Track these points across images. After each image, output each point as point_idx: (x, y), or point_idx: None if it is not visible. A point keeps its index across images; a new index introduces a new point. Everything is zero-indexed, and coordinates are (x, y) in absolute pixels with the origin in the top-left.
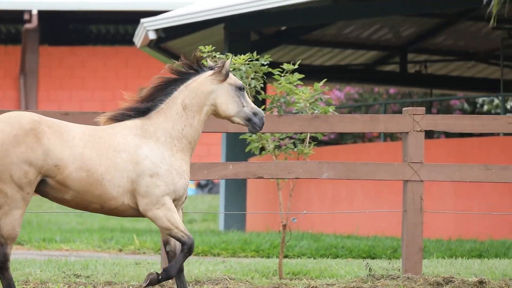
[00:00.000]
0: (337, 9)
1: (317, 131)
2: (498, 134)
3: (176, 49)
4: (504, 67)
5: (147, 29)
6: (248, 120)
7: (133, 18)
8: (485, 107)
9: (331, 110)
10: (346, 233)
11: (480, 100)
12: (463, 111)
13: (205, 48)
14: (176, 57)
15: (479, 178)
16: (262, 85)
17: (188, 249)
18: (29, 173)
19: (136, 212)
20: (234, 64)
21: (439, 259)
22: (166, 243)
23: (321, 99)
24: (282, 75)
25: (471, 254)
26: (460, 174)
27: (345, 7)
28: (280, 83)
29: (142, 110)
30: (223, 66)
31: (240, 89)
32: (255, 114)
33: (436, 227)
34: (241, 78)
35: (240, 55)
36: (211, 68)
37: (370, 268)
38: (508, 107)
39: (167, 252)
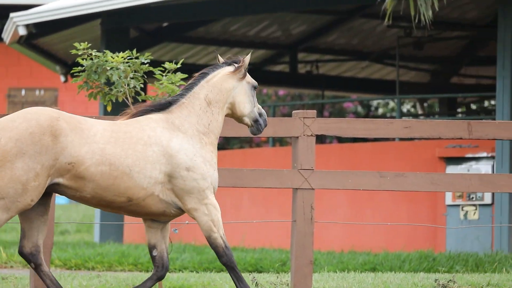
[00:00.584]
0: (222, 4)
1: None
2: (393, 139)
3: (49, 46)
4: (400, 68)
5: (17, 24)
6: (255, 121)
7: (1, 12)
8: (380, 110)
9: None
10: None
11: (374, 102)
12: (357, 115)
13: (80, 45)
14: (49, 55)
15: (373, 186)
16: (142, 85)
17: (226, 265)
18: (40, 175)
19: (162, 206)
20: (112, 62)
21: (331, 273)
22: (153, 247)
23: None
24: (164, 74)
25: (365, 268)
26: (353, 181)
27: (231, 2)
28: (161, 83)
29: (163, 104)
30: (243, 63)
31: (255, 88)
32: (260, 115)
33: (328, 238)
34: (120, 77)
35: (118, 52)
36: (228, 64)
37: (256, 282)
38: (405, 110)
39: (153, 257)
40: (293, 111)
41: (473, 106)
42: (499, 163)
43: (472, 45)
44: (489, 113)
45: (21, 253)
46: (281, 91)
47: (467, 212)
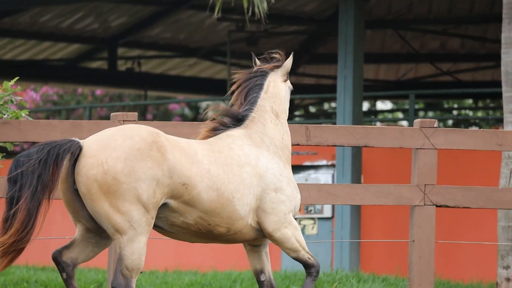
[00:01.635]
0: None
1: (7, 139)
2: None
3: None
4: (232, 66)
5: None
6: None
7: None
8: (210, 113)
9: (24, 114)
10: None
11: (203, 104)
12: (184, 118)
13: None
14: None
15: None
16: None
17: (316, 272)
18: (157, 192)
19: (255, 234)
20: None
21: None
22: (260, 272)
23: (12, 101)
24: None
25: None
26: None
27: None
28: None
29: (238, 118)
30: (287, 66)
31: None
32: None
33: (150, 256)
34: None
35: None
36: (274, 68)
37: None
38: None
39: (261, 282)
40: (112, 114)
41: (312, 109)
42: (339, 172)
43: (311, 41)
44: (330, 116)
45: (55, 258)
46: (99, 91)
47: (304, 226)
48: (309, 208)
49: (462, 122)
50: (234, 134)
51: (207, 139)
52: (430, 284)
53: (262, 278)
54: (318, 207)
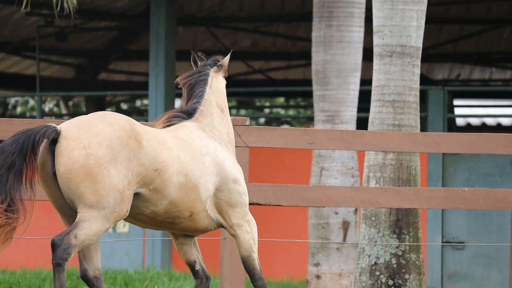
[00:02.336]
0: None
1: None
2: None
3: None
4: (41, 61)
5: None
6: None
7: None
8: (19, 109)
9: None
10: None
11: (12, 100)
12: None
13: None
14: None
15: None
16: None
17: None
18: (131, 183)
19: (208, 222)
20: None
21: None
22: (194, 262)
23: None
24: None
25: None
26: None
27: None
28: None
29: (189, 111)
30: (225, 61)
31: None
32: None
33: None
34: None
35: None
36: (213, 64)
37: None
38: (47, 109)
39: (196, 272)
40: None
41: (124, 106)
42: None
43: (122, 37)
44: (142, 113)
45: (84, 277)
46: None
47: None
48: None
49: (273, 120)
50: (188, 125)
51: (167, 128)
52: (241, 282)
53: (197, 267)
54: None
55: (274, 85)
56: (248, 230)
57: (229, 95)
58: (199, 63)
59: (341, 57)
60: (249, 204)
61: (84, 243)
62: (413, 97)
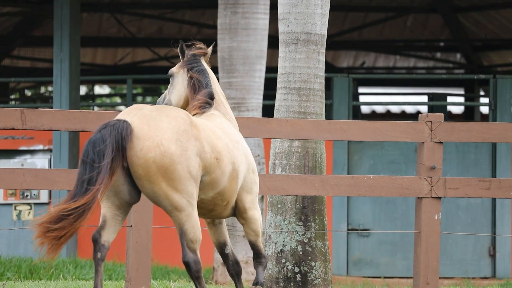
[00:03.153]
0: None
1: None
2: None
3: None
4: None
5: None
6: None
7: None
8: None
9: None
10: None
11: None
12: None
13: None
14: None
15: None
16: None
17: (266, 264)
18: (200, 167)
19: (232, 211)
20: None
21: None
22: (224, 245)
23: None
24: None
25: None
26: None
27: None
28: None
29: (211, 101)
30: (209, 52)
31: None
32: None
33: None
34: None
35: None
36: (201, 55)
37: None
38: None
39: (226, 255)
40: None
41: (28, 93)
42: (56, 157)
43: (26, 23)
44: (46, 100)
45: (95, 239)
46: None
47: (20, 212)
48: (25, 194)
49: None
50: (216, 113)
51: (202, 117)
52: (147, 269)
53: (227, 250)
54: (34, 192)
55: None
56: (257, 217)
57: (135, 82)
58: (186, 52)
59: (247, 44)
60: None
61: (199, 239)
62: (319, 84)
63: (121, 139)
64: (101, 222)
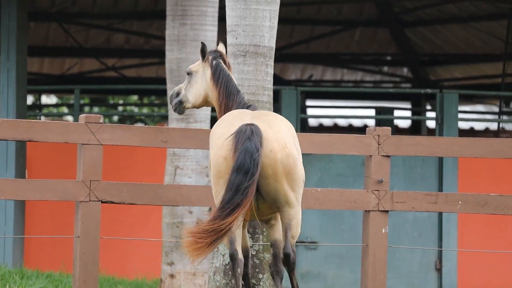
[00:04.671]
0: None
1: None
2: None
3: None
4: None
5: None
6: None
7: None
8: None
9: None
10: None
11: None
12: None
13: None
14: None
15: None
16: None
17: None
18: None
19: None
20: None
21: None
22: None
23: None
24: None
25: None
26: None
27: None
28: None
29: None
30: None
31: None
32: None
33: None
34: None
35: None
36: (219, 56)
37: None
38: None
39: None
40: None
41: None
42: (3, 166)
43: None
44: None
45: (233, 256)
46: None
47: None
48: None
49: (127, 118)
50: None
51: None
52: (94, 280)
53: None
54: None
55: (128, 83)
56: (300, 211)
57: (82, 92)
58: (207, 54)
59: (195, 56)
60: (103, 202)
61: (298, 235)
62: (267, 97)
63: (260, 146)
64: (231, 237)
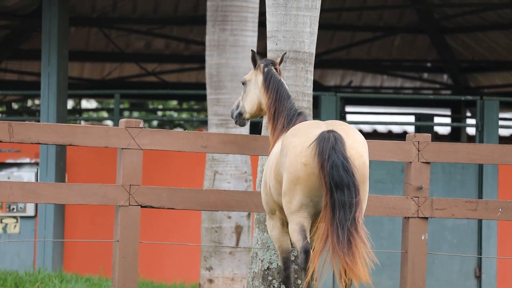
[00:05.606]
0: None
1: None
2: None
3: None
4: None
5: None
6: None
7: None
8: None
9: None
10: None
11: None
12: None
13: None
14: None
15: None
16: None
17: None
18: None
19: None
20: None
21: None
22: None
23: None
24: None
25: None
26: None
27: None
28: None
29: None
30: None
31: None
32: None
33: None
34: None
35: None
36: (273, 65)
37: None
38: None
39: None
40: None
41: (15, 106)
42: (43, 170)
43: (13, 37)
44: (33, 114)
45: (307, 250)
46: None
47: (6, 225)
48: (12, 207)
49: (167, 123)
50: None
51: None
52: (133, 284)
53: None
54: (21, 205)
55: (167, 88)
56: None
57: (122, 97)
58: (258, 61)
59: (235, 61)
60: (143, 207)
61: None
62: (306, 102)
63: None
64: (302, 233)
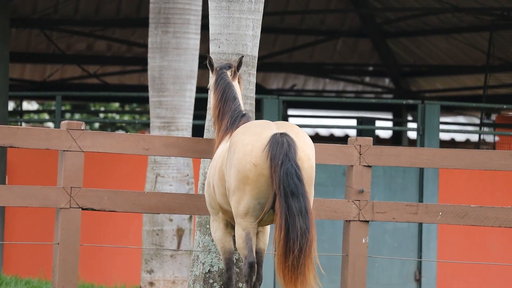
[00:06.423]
0: None
1: None
2: None
3: None
4: None
5: None
6: None
7: None
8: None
9: None
10: None
11: None
12: None
13: None
14: None
15: None
16: None
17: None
18: None
19: None
20: None
21: None
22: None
23: None
24: None
25: None
26: None
27: None
28: None
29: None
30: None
31: None
32: None
33: None
34: None
35: None
36: (228, 68)
37: None
38: None
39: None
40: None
41: None
42: None
43: None
44: None
45: (252, 264)
46: None
47: None
48: None
49: (109, 126)
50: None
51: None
52: (73, 287)
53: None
54: None
55: (109, 90)
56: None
57: (64, 99)
58: (214, 65)
59: (178, 64)
60: (84, 209)
61: None
62: (249, 105)
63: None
64: (248, 241)
